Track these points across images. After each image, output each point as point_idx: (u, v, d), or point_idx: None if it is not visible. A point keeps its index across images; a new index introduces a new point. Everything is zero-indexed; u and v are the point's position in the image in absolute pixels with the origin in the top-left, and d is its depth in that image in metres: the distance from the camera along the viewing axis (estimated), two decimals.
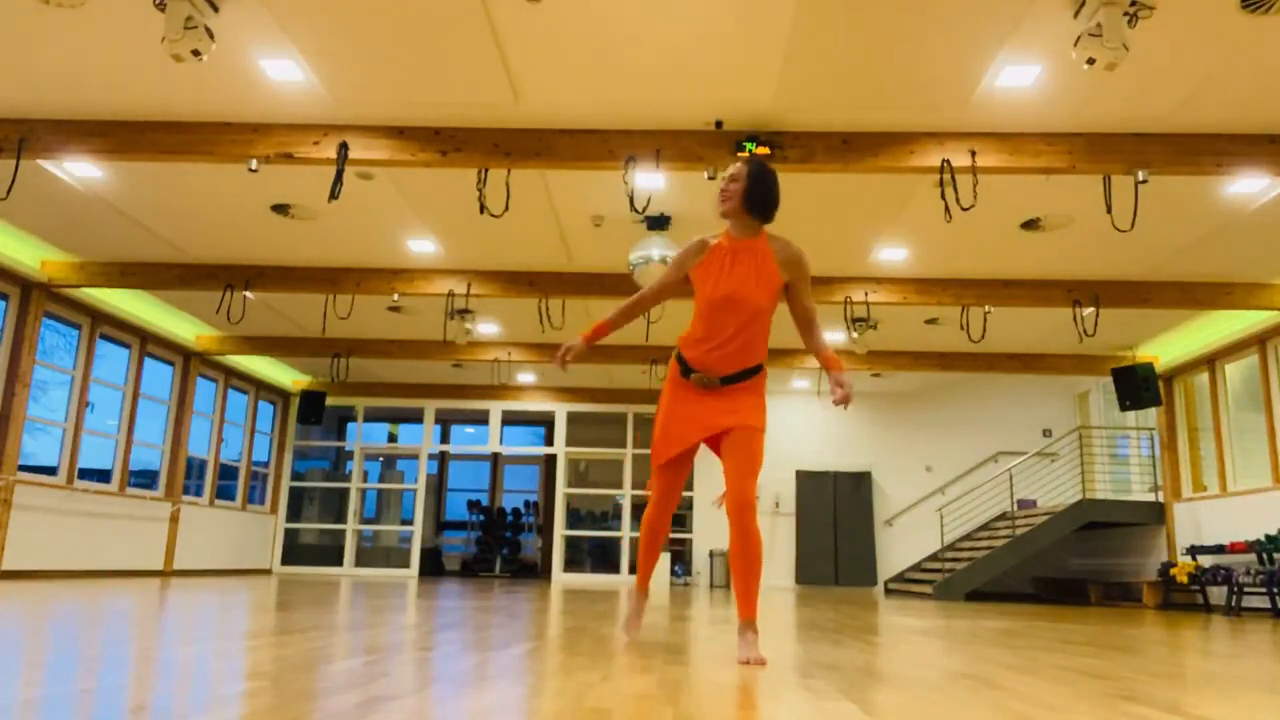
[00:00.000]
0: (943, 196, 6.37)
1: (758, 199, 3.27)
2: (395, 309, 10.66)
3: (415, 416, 16.16)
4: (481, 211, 6.86)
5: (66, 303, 9.84)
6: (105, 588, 7.52)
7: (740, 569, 3.18)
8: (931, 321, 10.77)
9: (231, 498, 14.00)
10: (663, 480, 3.48)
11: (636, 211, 6.99)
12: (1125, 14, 4.64)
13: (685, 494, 15.68)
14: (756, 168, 3.31)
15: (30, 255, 8.97)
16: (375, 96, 6.05)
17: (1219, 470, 10.64)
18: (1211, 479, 10.98)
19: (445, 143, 6.36)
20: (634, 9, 5.07)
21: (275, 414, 15.35)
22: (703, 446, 3.44)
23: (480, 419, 16.19)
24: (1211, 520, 10.70)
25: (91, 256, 9.24)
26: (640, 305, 3.55)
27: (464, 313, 9.89)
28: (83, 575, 10.05)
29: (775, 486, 15.02)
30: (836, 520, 14.85)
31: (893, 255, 8.69)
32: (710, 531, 14.94)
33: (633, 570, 14.75)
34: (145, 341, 11.39)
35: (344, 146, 6.32)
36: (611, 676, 2.65)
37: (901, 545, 14.71)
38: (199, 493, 13.12)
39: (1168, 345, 11.32)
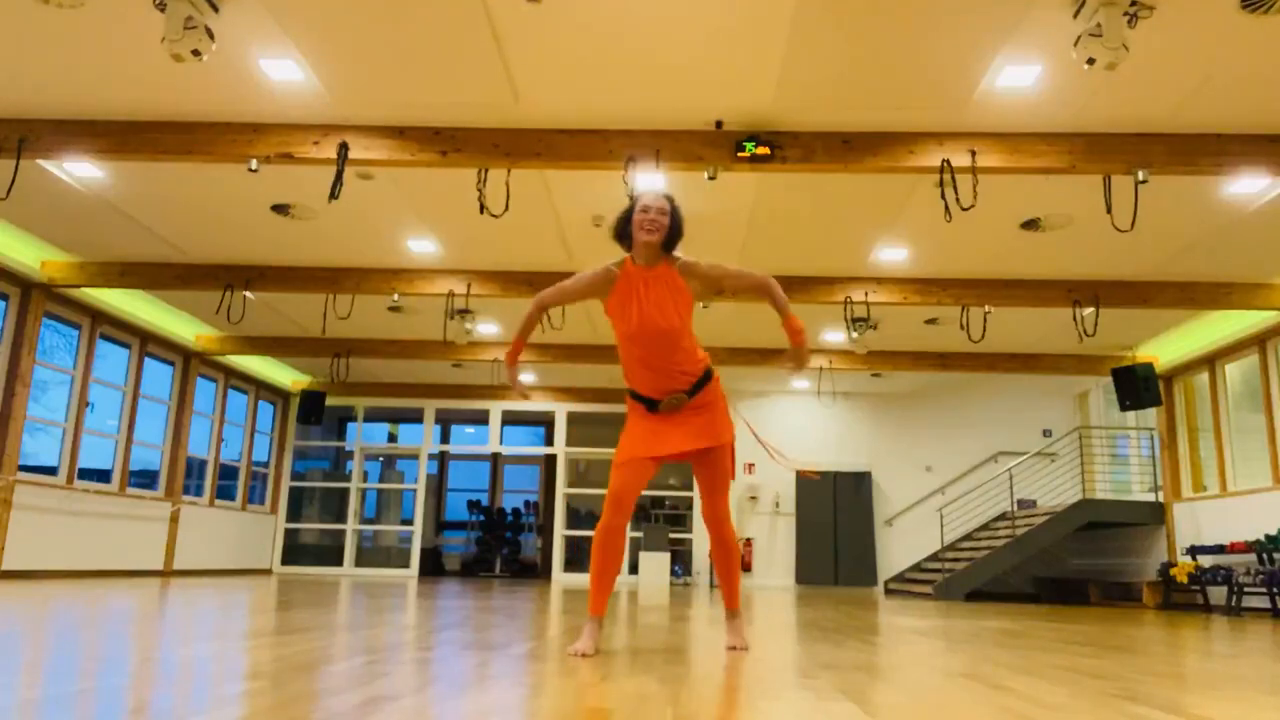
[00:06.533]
0: (943, 196, 6.37)
1: (677, 233, 3.39)
2: (395, 309, 10.66)
3: (415, 416, 16.15)
4: (481, 211, 6.86)
5: (66, 303, 9.84)
6: (105, 588, 7.52)
7: (722, 570, 3.64)
8: (931, 321, 10.77)
9: (231, 498, 14.00)
10: (624, 477, 3.31)
11: None
12: (1125, 14, 4.64)
13: (685, 494, 15.71)
14: (674, 203, 3.40)
15: (30, 255, 8.97)
16: (375, 96, 6.05)
17: (1219, 470, 10.64)
18: (1211, 479, 10.97)
19: (445, 143, 6.36)
20: (634, 9, 5.07)
21: (275, 414, 15.35)
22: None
23: (480, 419, 16.18)
24: (1211, 520, 10.69)
25: (91, 256, 9.24)
26: (541, 308, 3.53)
27: (464, 313, 9.89)
28: (83, 575, 10.05)
29: (775, 486, 15.01)
30: (836, 520, 14.84)
31: (893, 255, 8.69)
32: None
33: (633, 570, 14.69)
34: (145, 341, 11.39)
35: (344, 146, 6.32)
36: (611, 676, 2.65)
37: (901, 545, 14.70)
38: (199, 493, 13.12)
39: (1168, 345, 11.32)
